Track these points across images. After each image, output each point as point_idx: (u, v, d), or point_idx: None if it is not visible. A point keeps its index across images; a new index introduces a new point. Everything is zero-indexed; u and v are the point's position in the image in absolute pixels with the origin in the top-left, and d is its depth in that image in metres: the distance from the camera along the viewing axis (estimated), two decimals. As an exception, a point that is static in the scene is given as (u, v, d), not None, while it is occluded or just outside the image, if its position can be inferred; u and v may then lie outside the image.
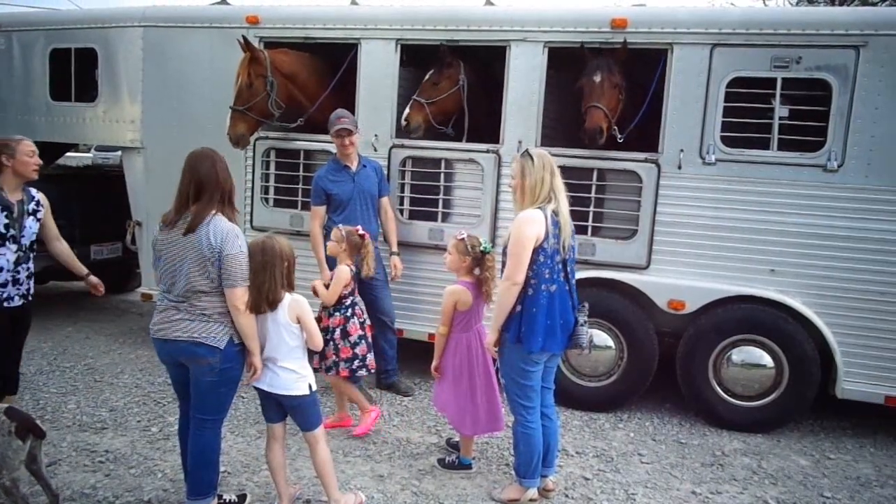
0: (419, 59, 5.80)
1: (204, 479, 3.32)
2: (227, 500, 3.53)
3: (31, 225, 4.06)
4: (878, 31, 4.32)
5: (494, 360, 3.85)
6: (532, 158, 3.44)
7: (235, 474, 3.91)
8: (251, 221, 5.67)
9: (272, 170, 5.65)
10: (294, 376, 3.36)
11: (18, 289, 4.05)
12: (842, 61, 4.39)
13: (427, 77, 5.18)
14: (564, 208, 3.43)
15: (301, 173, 5.55)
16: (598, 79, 4.72)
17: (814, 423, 5.03)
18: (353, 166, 4.99)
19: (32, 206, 4.08)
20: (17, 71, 6.50)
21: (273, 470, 3.50)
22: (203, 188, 3.17)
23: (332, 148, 5.41)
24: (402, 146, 5.27)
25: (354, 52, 5.37)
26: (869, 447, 4.70)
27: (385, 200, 5.12)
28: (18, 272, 4.02)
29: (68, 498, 3.60)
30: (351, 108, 5.41)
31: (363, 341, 4.37)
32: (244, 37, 5.10)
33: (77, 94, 6.27)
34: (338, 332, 4.29)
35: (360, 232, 4.37)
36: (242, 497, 3.60)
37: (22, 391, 4.94)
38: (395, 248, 5.14)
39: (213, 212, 3.16)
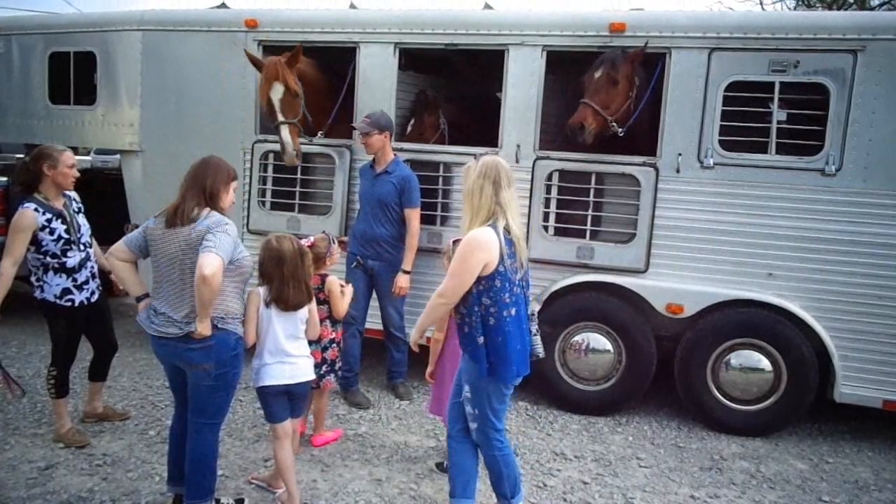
0: (418, 62, 5.82)
1: (202, 483, 3.32)
2: (225, 504, 3.54)
3: (83, 222, 4.23)
4: (875, 35, 4.33)
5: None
6: (476, 163, 3.12)
7: (233, 478, 3.90)
8: (247, 225, 5.66)
9: (270, 173, 5.65)
10: (309, 361, 3.58)
11: (97, 282, 4.29)
12: (839, 65, 4.40)
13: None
14: (516, 224, 3.09)
15: (299, 176, 5.55)
16: (597, 74, 4.64)
17: (812, 427, 5.03)
18: (378, 168, 4.98)
19: (75, 205, 4.23)
20: (16, 74, 6.50)
21: (287, 469, 3.51)
22: (201, 191, 3.27)
23: (331, 151, 5.42)
24: (401, 150, 5.27)
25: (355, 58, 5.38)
26: (867, 451, 4.70)
27: (409, 212, 4.96)
28: (89, 268, 4.21)
29: (65, 502, 3.60)
30: (350, 110, 5.42)
31: (334, 345, 4.30)
32: (301, 45, 4.98)
33: (76, 97, 6.26)
34: None
35: (326, 247, 4.15)
36: (240, 501, 3.60)
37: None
38: (405, 266, 4.99)
39: (204, 209, 3.23)
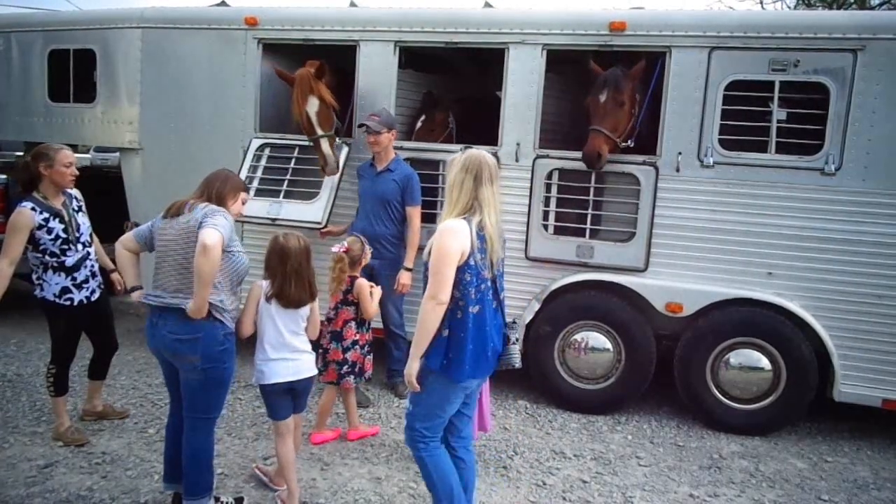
0: (418, 61, 5.81)
1: (199, 480, 3.33)
2: (225, 502, 3.53)
3: (83, 221, 4.22)
4: (875, 34, 4.33)
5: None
6: (460, 156, 3.02)
7: (232, 476, 3.90)
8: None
9: (262, 163, 5.53)
10: (311, 357, 3.58)
11: (97, 281, 4.28)
12: (839, 65, 4.40)
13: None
14: (492, 221, 2.96)
15: (291, 166, 5.44)
16: (603, 98, 4.67)
17: (811, 426, 5.03)
18: (379, 167, 4.98)
19: (76, 204, 4.21)
20: (15, 72, 6.49)
21: (288, 466, 3.53)
22: (209, 192, 3.37)
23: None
24: (401, 148, 5.26)
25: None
26: (866, 450, 4.71)
27: (410, 210, 4.97)
28: (89, 267, 4.20)
29: (65, 500, 3.59)
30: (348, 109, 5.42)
31: (357, 347, 4.31)
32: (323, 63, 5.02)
33: (75, 95, 6.25)
34: (329, 335, 4.31)
35: (360, 249, 4.29)
36: (240, 500, 3.59)
37: (19, 393, 4.95)
38: (407, 263, 4.99)
39: (205, 202, 3.28)
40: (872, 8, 14.46)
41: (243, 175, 5.40)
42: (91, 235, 4.28)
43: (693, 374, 4.84)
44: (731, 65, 4.58)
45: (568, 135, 5.45)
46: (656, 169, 4.75)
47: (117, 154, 6.65)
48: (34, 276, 4.09)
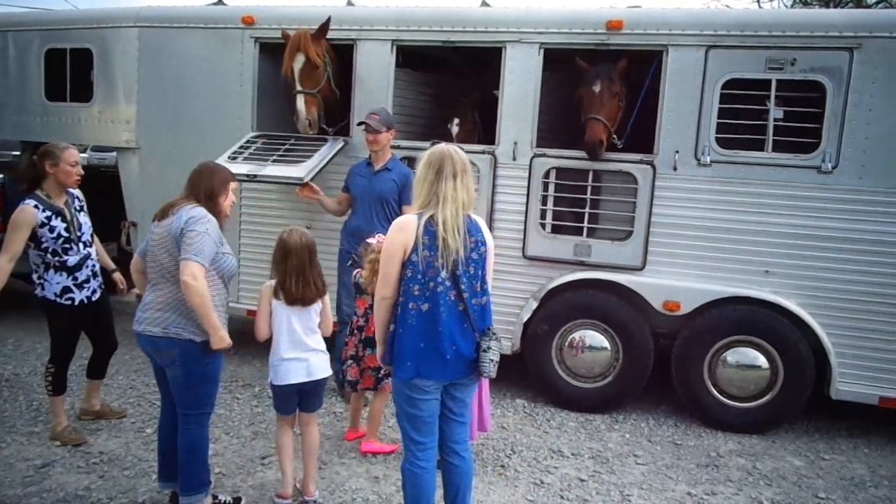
0: (415, 60, 5.81)
1: (194, 477, 3.34)
2: (223, 501, 3.54)
3: (85, 221, 4.22)
4: (871, 33, 4.34)
5: None
6: (426, 152, 2.95)
7: (230, 475, 3.90)
8: None
9: (253, 148, 5.46)
10: (325, 357, 3.54)
11: (98, 281, 4.27)
12: (836, 63, 4.41)
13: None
14: (446, 216, 2.82)
15: (286, 146, 5.40)
16: (597, 89, 4.74)
17: (808, 424, 5.04)
18: (377, 166, 4.97)
19: (78, 203, 4.21)
20: (12, 71, 6.47)
21: (284, 451, 3.55)
22: (197, 191, 3.33)
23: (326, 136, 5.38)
24: (399, 147, 5.26)
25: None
26: (863, 448, 4.72)
27: (407, 209, 4.85)
28: (90, 267, 4.20)
29: (62, 500, 3.59)
30: (347, 108, 5.42)
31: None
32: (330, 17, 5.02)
33: (72, 94, 6.24)
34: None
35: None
36: (238, 500, 3.59)
37: (16, 392, 4.94)
38: None
39: (193, 203, 3.26)
40: (869, 6, 14.48)
41: (226, 157, 5.28)
42: (92, 235, 4.28)
43: (690, 373, 4.84)
44: (728, 63, 4.59)
45: (566, 133, 5.45)
46: (653, 167, 4.75)
47: (114, 153, 6.64)
48: (34, 276, 4.09)
